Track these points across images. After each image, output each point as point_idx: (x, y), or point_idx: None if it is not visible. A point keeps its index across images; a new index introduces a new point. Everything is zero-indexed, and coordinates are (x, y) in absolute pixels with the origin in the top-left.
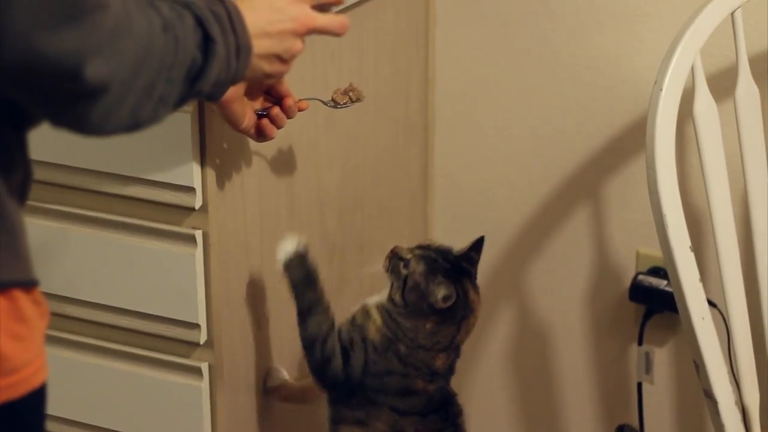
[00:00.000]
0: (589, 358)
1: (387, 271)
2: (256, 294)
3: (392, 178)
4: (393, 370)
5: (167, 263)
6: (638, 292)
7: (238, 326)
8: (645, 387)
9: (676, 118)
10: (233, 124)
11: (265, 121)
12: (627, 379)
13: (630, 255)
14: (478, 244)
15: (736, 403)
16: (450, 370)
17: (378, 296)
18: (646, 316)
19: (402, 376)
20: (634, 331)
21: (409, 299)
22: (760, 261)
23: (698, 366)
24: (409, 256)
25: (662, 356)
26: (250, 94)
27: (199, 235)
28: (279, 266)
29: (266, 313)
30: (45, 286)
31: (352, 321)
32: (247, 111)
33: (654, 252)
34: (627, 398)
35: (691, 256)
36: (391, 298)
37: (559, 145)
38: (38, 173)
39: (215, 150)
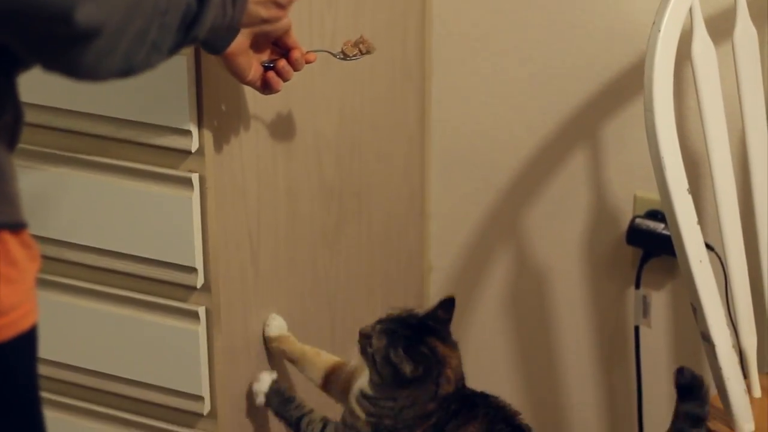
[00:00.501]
0: (586, 301)
1: (360, 353)
2: (252, 238)
3: (390, 123)
4: None
5: (164, 207)
6: (635, 235)
7: (236, 270)
8: (642, 330)
9: (674, 60)
10: (239, 76)
11: (271, 74)
12: (624, 322)
13: (627, 198)
14: (446, 304)
15: (733, 346)
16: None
17: (359, 381)
18: (644, 260)
19: None
20: (631, 275)
21: (384, 374)
22: (758, 203)
23: (695, 309)
24: (372, 334)
25: (659, 300)
26: (256, 46)
27: (195, 178)
28: (259, 403)
29: (264, 257)
30: (42, 230)
31: (344, 422)
32: (253, 63)
33: (651, 195)
34: (624, 342)
35: (689, 198)
36: (370, 379)
37: (556, 88)
38: (34, 116)
39: (212, 94)
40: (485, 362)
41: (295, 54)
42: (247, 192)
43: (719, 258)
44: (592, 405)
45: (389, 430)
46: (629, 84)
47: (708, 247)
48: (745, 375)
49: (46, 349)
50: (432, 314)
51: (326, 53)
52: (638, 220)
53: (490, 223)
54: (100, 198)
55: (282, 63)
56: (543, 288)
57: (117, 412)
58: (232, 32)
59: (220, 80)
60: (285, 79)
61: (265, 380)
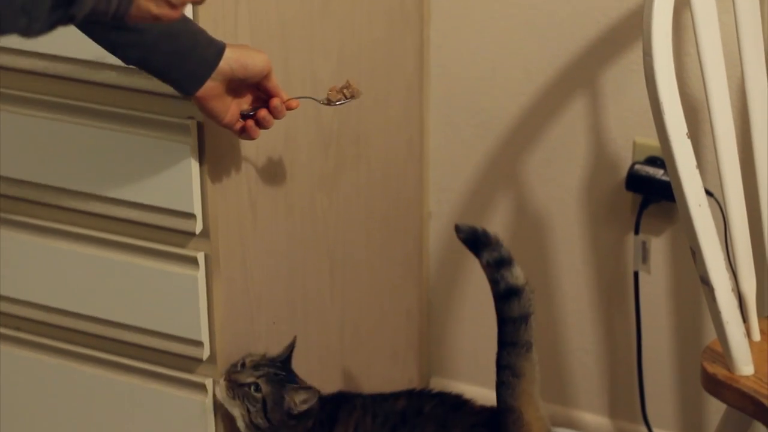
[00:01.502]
0: (585, 247)
1: (233, 399)
2: (251, 184)
3: (388, 69)
4: None
5: (161, 154)
6: (635, 181)
7: (234, 216)
8: (641, 276)
9: (673, 5)
10: (214, 119)
11: (251, 123)
12: (623, 268)
13: (627, 144)
14: (291, 347)
15: (732, 290)
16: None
17: None
18: (643, 206)
19: None
20: (630, 221)
21: (273, 418)
22: (757, 149)
23: (695, 253)
24: (251, 379)
25: (659, 245)
26: (235, 91)
27: (193, 124)
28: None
29: (262, 203)
30: (37, 177)
31: None
32: (230, 108)
33: (651, 141)
34: (624, 287)
35: (688, 142)
36: (251, 423)
37: (556, 34)
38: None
39: None
40: (484, 310)
41: (274, 102)
42: (245, 143)
43: (719, 204)
44: (591, 351)
45: None
46: (629, 30)
47: (707, 193)
48: (744, 319)
49: (46, 295)
50: (287, 359)
51: (311, 100)
52: (637, 166)
53: (489, 170)
54: (100, 147)
55: (263, 113)
56: (542, 234)
57: (117, 357)
58: (201, 77)
59: None
60: (264, 128)
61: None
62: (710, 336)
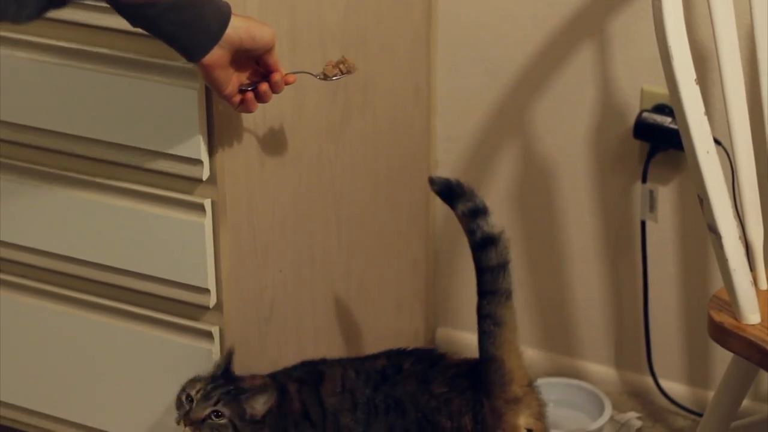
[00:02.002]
0: (593, 196)
1: (320, 77)
2: (258, 130)
3: (395, 16)
4: None
5: (168, 100)
6: (642, 129)
7: (241, 163)
8: (649, 225)
9: None
10: (216, 89)
11: (250, 95)
12: (631, 217)
13: (634, 92)
14: (228, 356)
15: (740, 238)
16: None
17: None
18: (650, 154)
19: None
20: (638, 169)
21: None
22: (765, 97)
23: (702, 200)
24: (208, 410)
25: (666, 194)
26: (238, 64)
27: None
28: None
29: (269, 150)
30: (42, 141)
31: None
32: (232, 79)
33: (659, 89)
34: (631, 236)
35: (696, 88)
36: None
37: None
38: (57, 143)
39: None
40: None
41: (275, 77)
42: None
43: (726, 152)
44: (597, 300)
45: None
46: None
47: (715, 141)
48: (752, 267)
49: (50, 242)
50: (227, 370)
51: (307, 74)
52: (645, 114)
53: (496, 118)
54: (105, 92)
55: (264, 87)
56: (549, 183)
57: (123, 305)
58: (204, 48)
59: None
60: (263, 102)
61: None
62: (717, 285)
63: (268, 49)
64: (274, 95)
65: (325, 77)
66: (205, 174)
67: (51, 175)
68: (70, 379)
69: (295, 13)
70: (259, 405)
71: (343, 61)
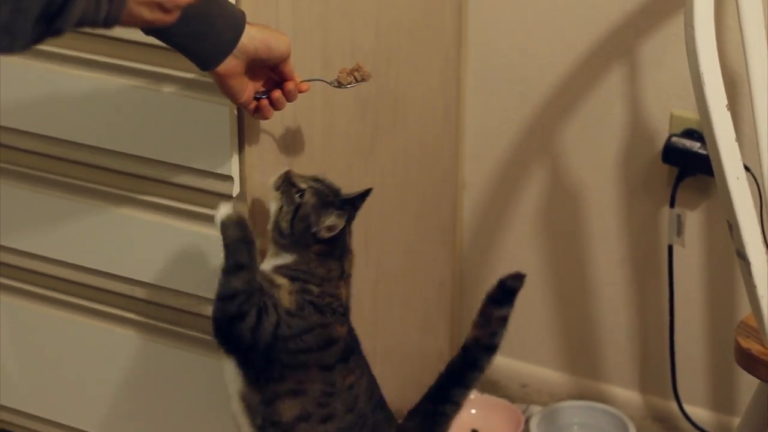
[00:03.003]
0: (620, 220)
1: (276, 189)
2: (289, 148)
3: (426, 37)
4: (313, 325)
5: (200, 116)
6: (671, 153)
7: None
8: (676, 249)
9: None
10: (231, 98)
11: (264, 103)
12: (658, 241)
13: (664, 117)
14: (365, 195)
15: None
16: (348, 307)
17: (267, 261)
18: (679, 179)
19: (322, 327)
20: (666, 194)
21: (296, 228)
22: None
23: (731, 226)
24: (304, 186)
25: (694, 219)
26: (252, 72)
27: None
28: (216, 224)
29: (299, 166)
30: None
31: (261, 289)
32: (247, 87)
33: (688, 114)
34: (658, 260)
35: (728, 114)
36: (277, 223)
37: (594, 3)
38: (89, 157)
39: None
40: None
41: (289, 85)
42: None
43: (755, 179)
44: (623, 324)
45: (314, 305)
46: (667, 1)
47: (744, 167)
48: None
49: (80, 255)
50: (352, 200)
51: (321, 82)
52: (674, 139)
53: (525, 140)
54: (136, 106)
55: (277, 94)
56: (577, 206)
57: (150, 320)
58: (215, 59)
59: None
60: (277, 109)
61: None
62: (744, 311)
63: (284, 59)
64: (293, 100)
65: (340, 85)
66: (236, 190)
67: (81, 188)
68: (96, 391)
69: (328, 32)
70: (326, 223)
71: (357, 69)
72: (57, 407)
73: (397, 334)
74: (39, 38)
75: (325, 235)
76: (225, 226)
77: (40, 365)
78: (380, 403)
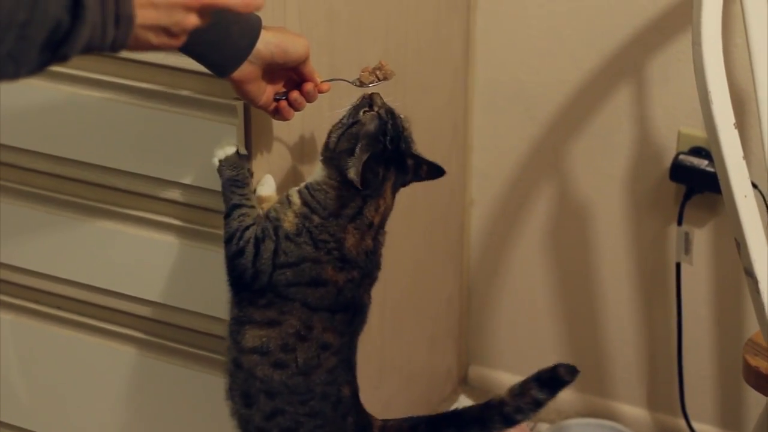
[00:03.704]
0: (628, 237)
1: (356, 84)
2: (297, 167)
3: (434, 55)
4: (305, 257)
5: (207, 136)
6: (679, 171)
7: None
8: (684, 267)
9: None
10: (249, 102)
11: (283, 104)
12: (666, 259)
13: (671, 135)
14: (435, 170)
15: None
16: (365, 265)
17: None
18: (687, 197)
19: (314, 263)
20: (673, 211)
21: (340, 145)
22: None
23: (739, 244)
24: (375, 109)
25: (701, 237)
26: (271, 74)
27: (240, 105)
28: (213, 163)
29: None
30: None
31: (267, 215)
32: (265, 90)
33: (696, 132)
34: (665, 278)
35: (735, 133)
36: (330, 132)
37: (603, 22)
38: (95, 176)
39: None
40: (525, 297)
41: (308, 87)
42: (291, 125)
43: (762, 196)
44: (630, 342)
45: (311, 236)
46: (675, 19)
47: (752, 185)
48: None
49: (89, 275)
50: (416, 158)
51: (343, 81)
52: (682, 157)
53: (532, 158)
54: (144, 126)
55: (295, 95)
56: (584, 223)
57: (158, 339)
58: (231, 66)
59: None
60: (297, 110)
61: (231, 147)
62: (752, 329)
63: (302, 61)
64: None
65: (361, 84)
66: None
67: (90, 207)
68: (99, 409)
69: (334, 50)
70: (350, 172)
71: (379, 68)
72: (60, 425)
73: (404, 351)
74: (44, 65)
75: (350, 178)
76: (220, 169)
77: (43, 382)
78: (342, 406)
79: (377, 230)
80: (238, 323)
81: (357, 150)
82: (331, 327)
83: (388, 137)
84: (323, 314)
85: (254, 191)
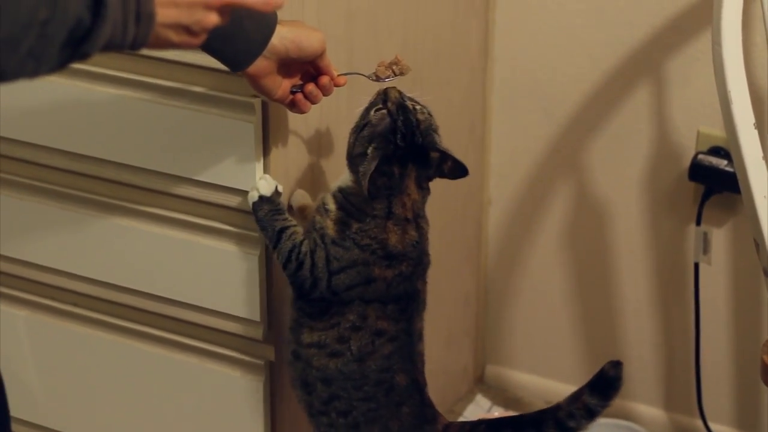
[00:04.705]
0: (646, 237)
1: (372, 79)
2: (314, 166)
3: (452, 53)
4: (355, 260)
5: (225, 133)
6: (698, 171)
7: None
8: (702, 267)
9: None
10: (265, 95)
11: (299, 97)
12: (684, 259)
13: (690, 134)
14: (459, 169)
15: None
16: (415, 256)
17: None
18: (705, 196)
19: (363, 266)
20: (692, 211)
21: (355, 148)
22: None
23: (758, 244)
24: (388, 105)
25: (720, 237)
26: (287, 68)
27: (258, 103)
28: (250, 198)
29: (324, 184)
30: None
31: (313, 226)
32: (281, 84)
33: (715, 132)
34: (684, 278)
35: (755, 133)
36: (348, 138)
37: (621, 21)
38: (114, 173)
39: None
40: (542, 296)
41: (324, 80)
42: (308, 123)
43: None
44: (648, 342)
45: (355, 241)
46: (695, 19)
47: None
48: None
49: (107, 272)
50: (442, 152)
51: (359, 75)
52: (701, 156)
53: (550, 157)
54: (161, 123)
55: (310, 87)
56: (602, 223)
57: (175, 336)
58: (245, 61)
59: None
60: (313, 103)
61: (269, 184)
62: None
63: (318, 56)
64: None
65: (378, 78)
66: None
67: (106, 204)
68: (117, 406)
69: (353, 48)
70: (362, 168)
71: (396, 62)
72: (75, 422)
73: None
74: (65, 63)
75: (364, 186)
76: (256, 205)
77: (59, 379)
78: (403, 398)
79: (416, 221)
80: (297, 324)
81: (368, 154)
82: (384, 315)
83: (399, 135)
84: (376, 305)
85: (288, 206)
